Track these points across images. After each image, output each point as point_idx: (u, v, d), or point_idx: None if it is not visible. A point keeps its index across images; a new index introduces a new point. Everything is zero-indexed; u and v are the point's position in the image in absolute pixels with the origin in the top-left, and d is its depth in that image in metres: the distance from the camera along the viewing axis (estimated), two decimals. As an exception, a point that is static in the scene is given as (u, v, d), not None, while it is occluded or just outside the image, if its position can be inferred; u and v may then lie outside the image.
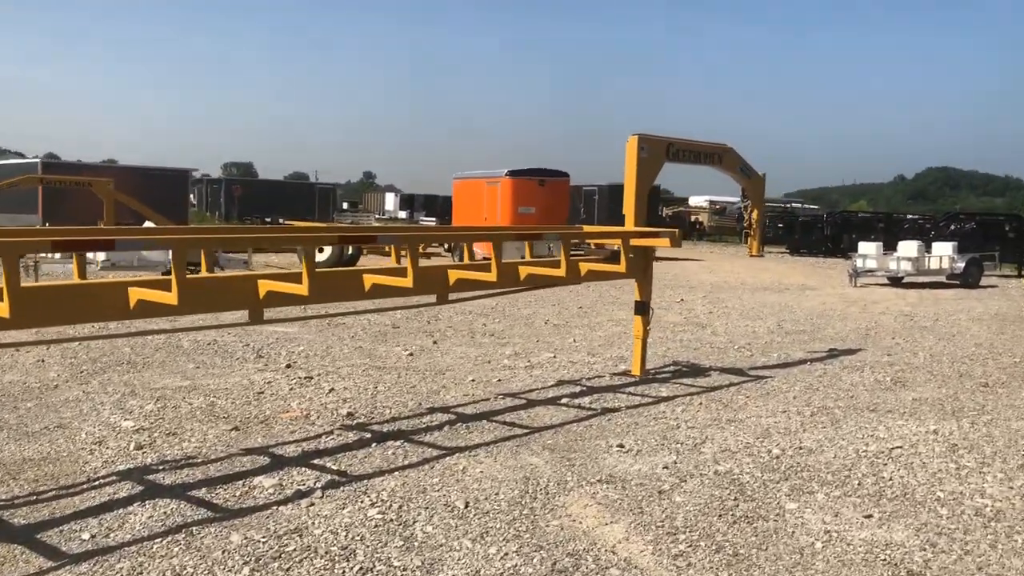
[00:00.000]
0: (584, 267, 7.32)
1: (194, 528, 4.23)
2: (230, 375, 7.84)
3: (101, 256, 16.80)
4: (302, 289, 5.02)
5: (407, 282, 5.62)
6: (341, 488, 4.86)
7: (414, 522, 4.38)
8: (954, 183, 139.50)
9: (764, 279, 20.93)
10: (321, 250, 20.29)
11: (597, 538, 4.27)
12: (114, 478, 4.97)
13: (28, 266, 16.49)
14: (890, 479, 5.36)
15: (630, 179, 8.00)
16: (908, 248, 20.18)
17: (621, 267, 7.45)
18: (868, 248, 20.67)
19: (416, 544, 4.12)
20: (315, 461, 5.36)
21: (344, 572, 3.81)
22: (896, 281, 20.11)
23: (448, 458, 5.48)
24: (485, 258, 6.67)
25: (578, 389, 7.68)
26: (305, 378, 7.76)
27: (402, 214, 44.81)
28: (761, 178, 9.48)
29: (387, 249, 9.01)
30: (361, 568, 3.85)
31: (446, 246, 22.74)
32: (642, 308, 8.12)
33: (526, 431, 6.19)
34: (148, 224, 16.60)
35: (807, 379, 8.43)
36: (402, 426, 6.26)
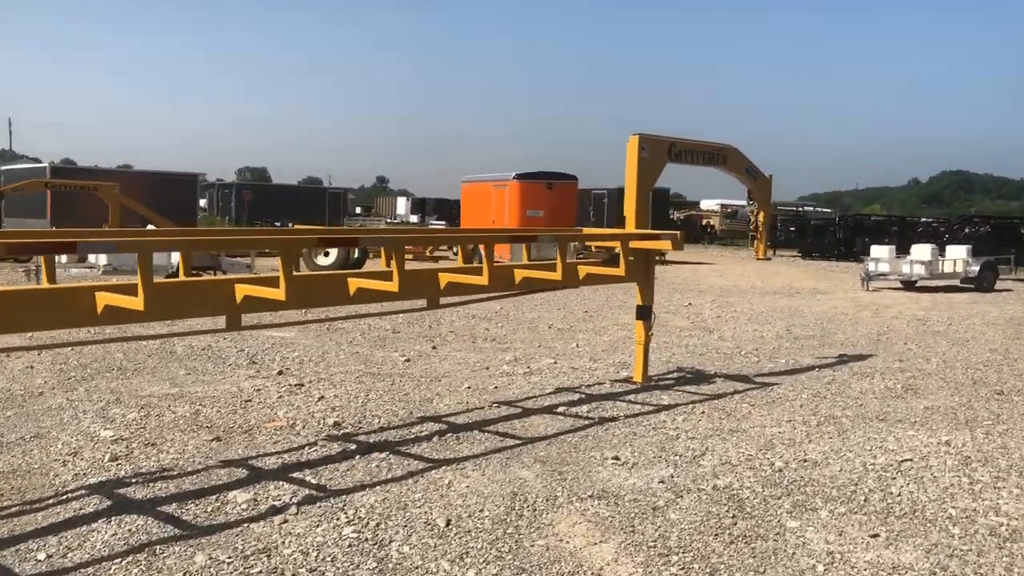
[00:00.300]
0: (582, 270, 7.07)
1: (158, 547, 4.00)
2: (220, 382, 7.63)
3: (103, 260, 16.71)
4: (279, 294, 4.79)
5: (392, 286, 5.39)
6: (318, 504, 4.63)
7: (390, 542, 4.13)
8: (969, 186, 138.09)
9: (775, 283, 20.57)
10: (327, 254, 20.21)
11: (583, 560, 4.01)
12: (82, 492, 4.75)
13: (30, 271, 16.42)
14: (899, 495, 5.07)
15: (631, 180, 7.80)
16: (921, 251, 19.79)
17: (620, 270, 7.20)
18: (881, 251, 20.29)
19: (390, 567, 3.87)
20: (294, 474, 5.13)
21: (311, 597, 3.57)
22: (909, 285, 19.73)
23: (434, 471, 5.23)
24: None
25: (577, 397, 7.43)
26: (296, 385, 7.54)
27: (414, 218, 44.81)
28: (768, 180, 9.25)
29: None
30: (329, 592, 3.61)
31: (454, 249, 22.56)
32: (644, 313, 7.84)
33: (518, 442, 5.94)
34: (150, 227, 16.47)
35: (815, 386, 8.14)
36: (390, 436, 6.02)
